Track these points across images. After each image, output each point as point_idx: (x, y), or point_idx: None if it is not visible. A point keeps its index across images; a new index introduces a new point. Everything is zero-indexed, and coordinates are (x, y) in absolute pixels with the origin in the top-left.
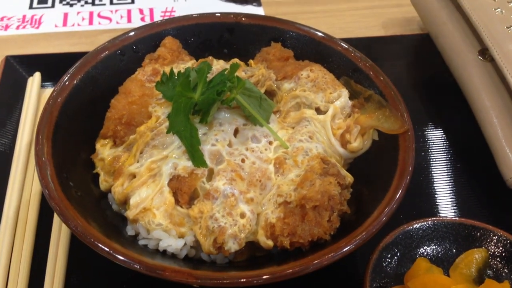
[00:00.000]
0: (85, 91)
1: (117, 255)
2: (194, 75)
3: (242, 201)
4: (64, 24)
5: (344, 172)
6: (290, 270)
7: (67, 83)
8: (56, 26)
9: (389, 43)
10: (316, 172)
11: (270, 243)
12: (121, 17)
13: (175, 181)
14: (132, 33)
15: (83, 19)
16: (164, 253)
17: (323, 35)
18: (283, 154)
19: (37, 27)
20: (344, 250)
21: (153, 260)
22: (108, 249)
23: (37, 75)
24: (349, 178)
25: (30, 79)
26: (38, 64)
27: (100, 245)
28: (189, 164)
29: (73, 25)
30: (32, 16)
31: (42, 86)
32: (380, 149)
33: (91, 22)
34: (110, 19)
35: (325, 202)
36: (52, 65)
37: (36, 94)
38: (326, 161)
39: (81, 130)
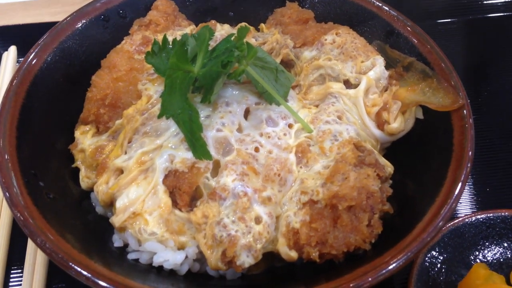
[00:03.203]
0: (59, 67)
1: (97, 280)
2: (193, 43)
3: (257, 202)
4: None
5: (383, 160)
6: None
7: (36, 57)
8: None
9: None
10: (349, 162)
11: (293, 254)
12: None
13: (172, 177)
14: None
15: None
16: (160, 270)
17: None
18: (306, 139)
19: None
20: (391, 267)
21: (143, 284)
22: (85, 272)
23: (12, 49)
24: (390, 168)
25: (4, 54)
26: (14, 37)
27: (75, 267)
28: (189, 155)
29: None
30: None
31: (19, 62)
32: (426, 130)
33: None
34: None
35: (363, 201)
36: (30, 38)
37: (11, 71)
38: (360, 147)
39: (56, 115)
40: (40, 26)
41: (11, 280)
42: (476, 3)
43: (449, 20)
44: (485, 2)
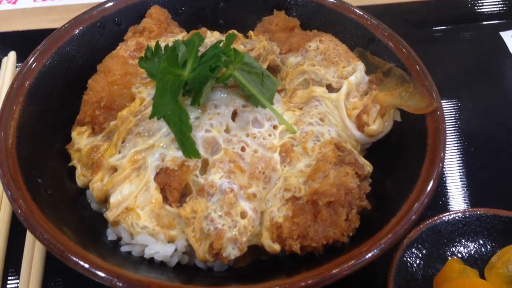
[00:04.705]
0: (57, 71)
1: (94, 270)
2: (184, 49)
3: (243, 198)
4: None
5: (362, 160)
6: (303, 284)
7: (35, 62)
8: (35, 0)
9: (411, 10)
10: (329, 161)
11: (276, 247)
12: None
13: (162, 175)
14: (112, 3)
15: None
16: (151, 262)
17: (333, 0)
18: (290, 140)
19: (14, 3)
20: (367, 256)
21: (135, 273)
22: (83, 263)
23: (12, 55)
24: (368, 167)
25: (4, 60)
26: (13, 43)
27: (73, 257)
28: (179, 154)
29: None
30: None
31: (18, 67)
32: (403, 132)
33: None
34: None
35: (342, 197)
36: (28, 44)
37: (10, 75)
38: (340, 147)
39: (54, 116)
40: (39, 33)
41: (9, 274)
42: (468, 11)
43: (441, 27)
44: (478, 10)
